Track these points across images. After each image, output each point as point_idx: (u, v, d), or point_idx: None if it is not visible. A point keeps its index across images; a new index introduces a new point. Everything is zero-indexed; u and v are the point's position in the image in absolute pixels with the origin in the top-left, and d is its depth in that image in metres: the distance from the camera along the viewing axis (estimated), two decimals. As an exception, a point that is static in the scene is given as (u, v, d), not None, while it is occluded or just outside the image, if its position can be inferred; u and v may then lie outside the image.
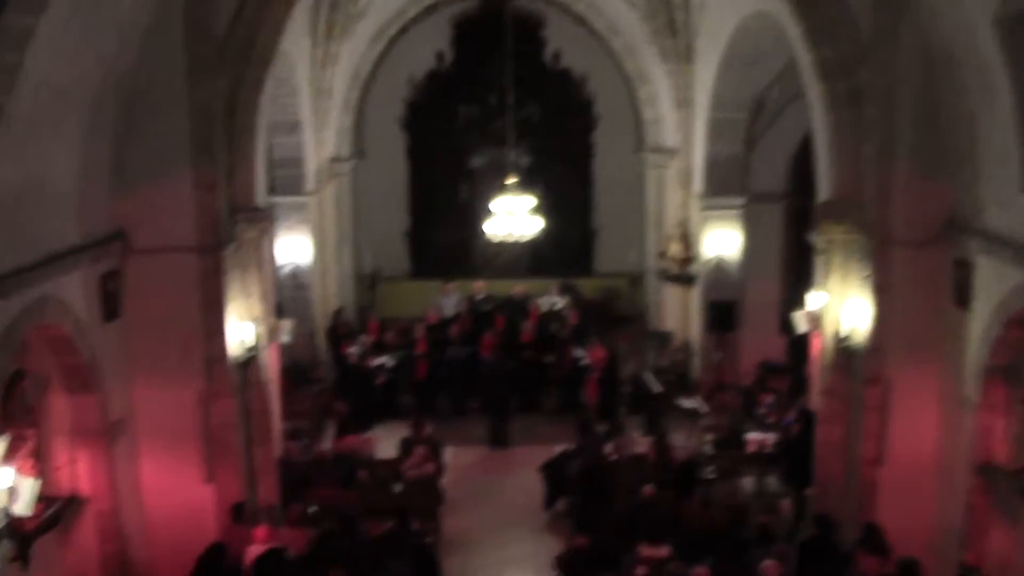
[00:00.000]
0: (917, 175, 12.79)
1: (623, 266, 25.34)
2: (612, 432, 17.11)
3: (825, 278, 14.18)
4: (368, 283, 25.28)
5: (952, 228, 12.61)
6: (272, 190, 18.98)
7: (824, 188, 14.10)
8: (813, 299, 15.02)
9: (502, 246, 24.39)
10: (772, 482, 17.05)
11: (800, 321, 15.42)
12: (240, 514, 13.12)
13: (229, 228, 13.21)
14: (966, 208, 12.35)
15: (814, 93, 13.93)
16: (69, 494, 12.12)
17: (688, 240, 22.13)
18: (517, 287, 23.92)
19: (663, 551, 12.44)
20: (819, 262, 14.64)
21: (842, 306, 13.77)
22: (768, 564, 11.42)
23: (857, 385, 13.51)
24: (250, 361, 13.78)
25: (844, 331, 13.71)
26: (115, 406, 12.48)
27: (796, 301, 18.97)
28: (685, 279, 22.28)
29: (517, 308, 23.00)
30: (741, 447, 17.27)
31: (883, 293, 13.07)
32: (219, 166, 12.93)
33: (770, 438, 17.17)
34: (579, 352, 20.91)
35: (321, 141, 22.33)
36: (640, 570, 12.15)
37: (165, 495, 13.15)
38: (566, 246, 26.30)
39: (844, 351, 13.75)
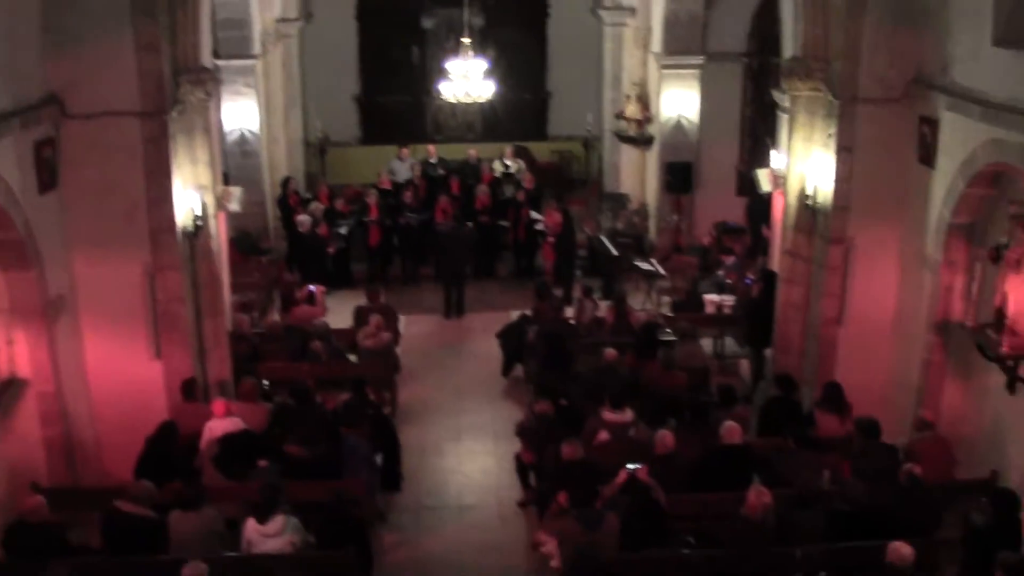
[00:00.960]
0: (885, 31, 12.32)
1: (578, 129, 24.88)
2: (569, 296, 16.83)
3: (789, 137, 13.85)
4: (318, 149, 24.72)
5: (919, 85, 12.26)
6: (216, 53, 18.18)
7: (789, 45, 13.72)
8: (776, 158, 14.69)
9: (455, 110, 24.33)
10: (731, 343, 16.99)
11: (763, 180, 15.15)
12: (191, 390, 12.69)
13: (173, 91, 12.45)
14: (934, 64, 11.99)
15: (780, -55, 13.39)
16: (7, 377, 11.57)
17: (646, 101, 21.75)
18: (471, 151, 23.44)
19: (626, 415, 12.25)
20: (783, 121, 14.32)
21: (806, 165, 13.45)
22: (729, 425, 11.26)
23: (820, 245, 13.30)
24: (198, 231, 13.16)
25: (808, 190, 13.42)
26: (54, 282, 11.83)
27: (754, 162, 18.96)
28: (642, 140, 21.97)
29: (471, 172, 22.58)
30: (700, 309, 17.17)
31: (848, 152, 12.74)
32: (161, 25, 12.10)
33: (728, 299, 17.13)
34: (534, 216, 20.55)
35: (267, 1, 21.48)
36: (603, 435, 11.97)
37: (111, 374, 12.63)
38: (520, 109, 25.97)
39: (807, 211, 13.49)
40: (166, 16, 12.20)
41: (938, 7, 11.77)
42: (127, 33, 11.91)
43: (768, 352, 15.17)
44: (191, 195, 13.04)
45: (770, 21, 15.92)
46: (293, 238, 20.27)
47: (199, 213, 13.17)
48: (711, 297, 17.36)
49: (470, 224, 20.15)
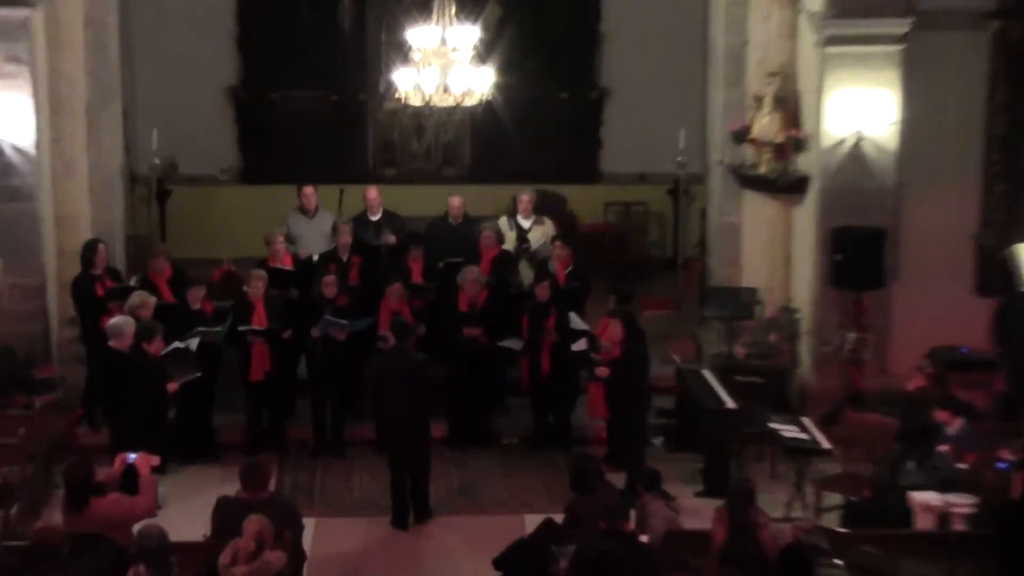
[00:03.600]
0: None
1: (659, 162, 24.90)
2: (637, 487, 15.96)
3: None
4: (153, 190, 24.66)
5: None
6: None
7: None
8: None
9: (421, 123, 24.85)
10: (968, 589, 16.10)
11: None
12: None
13: None
14: None
15: None
16: None
17: (793, 108, 21.35)
18: (452, 200, 22.86)
19: None
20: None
21: None
22: None
23: None
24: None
25: None
26: None
27: (1012, 227, 18.13)
28: (785, 185, 21.64)
29: (452, 243, 22.03)
30: (903, 521, 16.41)
31: None
32: None
33: (963, 501, 16.29)
34: (574, 327, 20.01)
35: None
36: None
37: None
38: (547, 122, 26.09)
39: None
40: None
41: None
42: None
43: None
44: None
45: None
46: (99, 360, 19.73)
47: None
48: (925, 497, 16.56)
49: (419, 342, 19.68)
